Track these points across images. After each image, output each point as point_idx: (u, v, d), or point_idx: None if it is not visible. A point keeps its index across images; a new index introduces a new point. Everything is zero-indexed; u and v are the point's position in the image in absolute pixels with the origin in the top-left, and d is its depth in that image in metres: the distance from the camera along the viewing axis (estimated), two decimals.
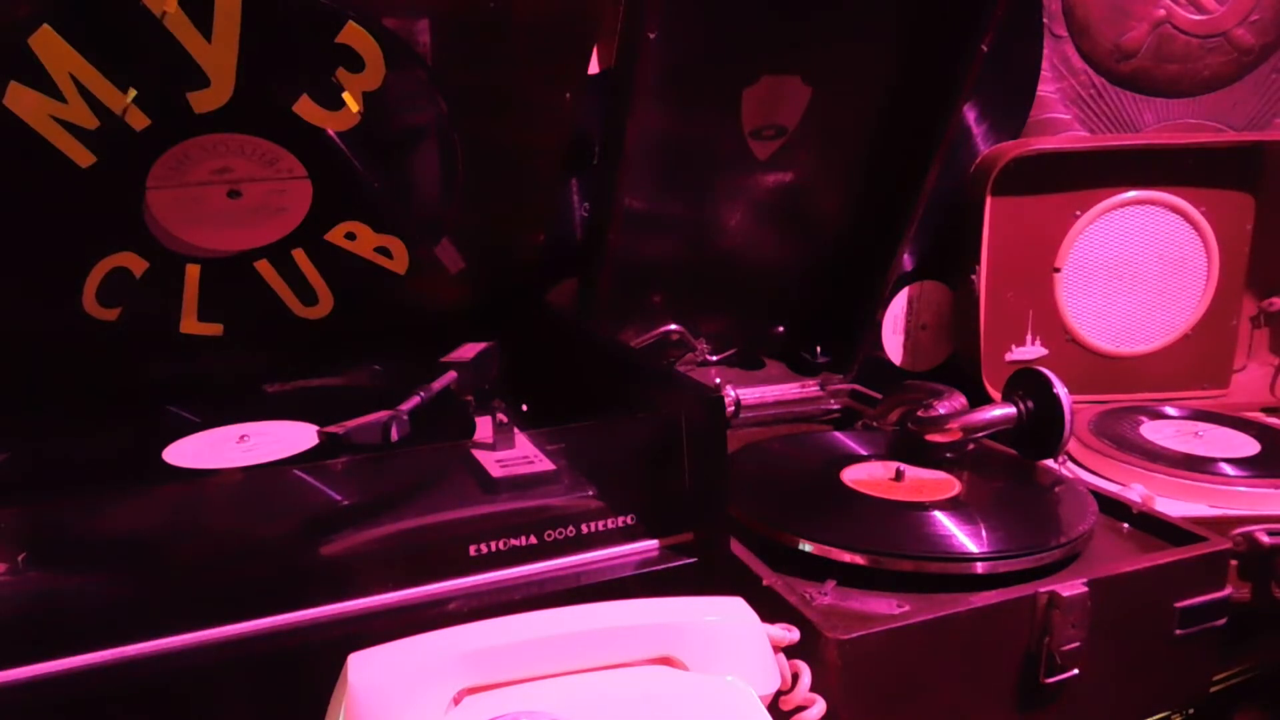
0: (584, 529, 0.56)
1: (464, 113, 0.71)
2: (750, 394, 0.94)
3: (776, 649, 0.51)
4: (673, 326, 0.96)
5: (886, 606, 0.58)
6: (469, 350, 0.74)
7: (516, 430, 0.57)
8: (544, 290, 0.95)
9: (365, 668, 0.42)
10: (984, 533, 0.64)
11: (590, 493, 0.57)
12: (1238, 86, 1.12)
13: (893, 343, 1.11)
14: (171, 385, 0.72)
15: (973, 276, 1.04)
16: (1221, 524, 0.74)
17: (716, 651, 0.47)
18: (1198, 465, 0.84)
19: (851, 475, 0.74)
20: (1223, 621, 0.64)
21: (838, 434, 0.86)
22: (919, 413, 0.77)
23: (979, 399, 0.86)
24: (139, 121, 0.62)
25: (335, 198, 0.70)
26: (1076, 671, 0.59)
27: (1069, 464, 0.87)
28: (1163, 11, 1.07)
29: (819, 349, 1.00)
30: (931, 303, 1.11)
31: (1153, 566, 0.62)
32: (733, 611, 0.48)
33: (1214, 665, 0.68)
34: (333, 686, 0.44)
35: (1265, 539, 0.75)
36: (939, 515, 0.66)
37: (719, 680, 0.46)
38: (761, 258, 0.96)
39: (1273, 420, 0.99)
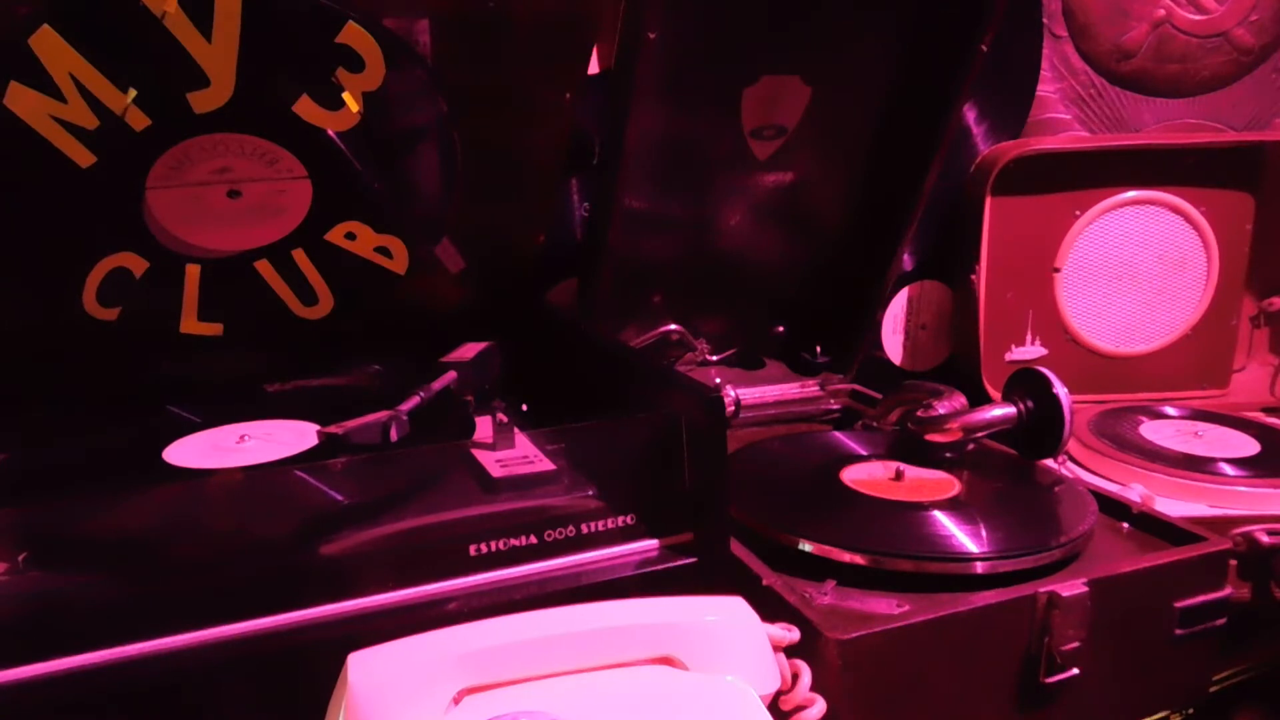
0: (584, 529, 0.56)
1: (464, 113, 0.70)
2: (750, 394, 0.94)
3: (776, 649, 0.51)
4: (673, 326, 0.96)
5: (886, 606, 0.58)
6: (469, 350, 0.74)
7: (516, 430, 0.57)
8: (544, 290, 0.95)
9: (365, 668, 0.42)
10: (984, 533, 0.64)
11: (590, 493, 0.57)
12: (1238, 86, 1.12)
13: (893, 343, 1.11)
14: (171, 385, 0.72)
15: (972, 276, 1.04)
16: (1221, 524, 0.74)
17: (716, 651, 0.47)
18: (1197, 465, 0.84)
19: (851, 475, 0.74)
20: (1222, 621, 0.65)
21: (838, 434, 0.86)
22: (919, 413, 0.77)
23: (979, 399, 0.86)
24: (139, 121, 0.62)
25: (335, 198, 0.70)
26: (1076, 671, 0.59)
27: (1069, 464, 0.87)
28: (1163, 11, 1.07)
29: (819, 349, 1.00)
30: (931, 303, 1.11)
31: (1153, 566, 0.62)
32: (733, 611, 0.48)
33: (1214, 665, 0.68)
34: (333, 686, 0.44)
35: (1265, 539, 0.75)
36: (939, 515, 0.66)
37: (719, 680, 0.46)
38: (761, 258, 0.96)
39: (1273, 420, 0.99)
